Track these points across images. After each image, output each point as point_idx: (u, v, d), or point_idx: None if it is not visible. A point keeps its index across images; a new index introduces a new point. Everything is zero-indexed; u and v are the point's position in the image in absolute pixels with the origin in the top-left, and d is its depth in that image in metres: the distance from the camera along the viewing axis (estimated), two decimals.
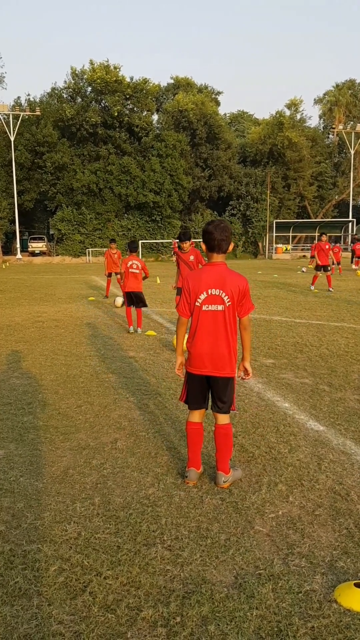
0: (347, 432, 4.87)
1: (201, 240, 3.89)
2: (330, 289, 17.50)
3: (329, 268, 17.57)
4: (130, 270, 10.26)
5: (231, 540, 3.16)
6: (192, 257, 9.61)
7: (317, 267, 17.70)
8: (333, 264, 17.38)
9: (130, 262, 10.29)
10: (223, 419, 3.89)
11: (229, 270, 3.79)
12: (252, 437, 4.78)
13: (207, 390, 3.91)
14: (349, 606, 2.58)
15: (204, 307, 3.75)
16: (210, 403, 3.97)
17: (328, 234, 57.38)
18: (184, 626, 2.47)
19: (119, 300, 14.25)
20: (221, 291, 3.72)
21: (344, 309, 13.30)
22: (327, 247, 17.52)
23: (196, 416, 3.96)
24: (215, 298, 3.73)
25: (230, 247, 3.82)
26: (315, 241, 39.95)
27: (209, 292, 3.73)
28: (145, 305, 10.46)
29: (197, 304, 3.76)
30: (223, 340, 3.76)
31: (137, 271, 10.31)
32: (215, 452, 3.94)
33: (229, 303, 3.72)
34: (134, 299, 10.34)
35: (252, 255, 60.62)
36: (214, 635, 2.41)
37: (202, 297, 3.73)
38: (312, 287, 18.11)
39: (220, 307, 3.73)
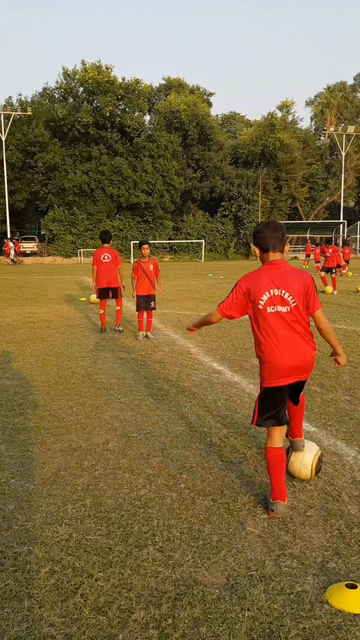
0: (338, 433, 4.89)
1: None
2: (334, 291, 17.74)
3: (333, 271, 18.03)
4: (103, 260, 10.11)
5: (223, 542, 3.16)
6: (151, 267, 9.69)
7: (325, 269, 18.19)
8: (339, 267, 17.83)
9: (102, 255, 10.14)
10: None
11: (291, 268, 3.51)
12: (244, 438, 4.78)
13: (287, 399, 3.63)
14: (340, 607, 2.58)
15: (269, 309, 3.42)
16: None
17: (319, 236, 57.76)
18: (175, 628, 2.47)
19: (94, 296, 14.36)
20: (284, 291, 3.41)
21: (335, 311, 13.35)
22: (330, 250, 17.90)
23: (277, 438, 3.54)
24: (278, 299, 3.41)
25: (286, 249, 3.58)
26: (308, 242, 40.14)
27: (271, 292, 3.42)
28: (119, 297, 10.35)
29: (259, 306, 3.43)
30: (301, 341, 3.46)
31: (108, 261, 10.14)
32: (290, 421, 3.86)
33: (295, 304, 3.41)
34: (108, 292, 10.23)
35: (244, 256, 60.69)
36: (206, 637, 2.41)
37: (264, 298, 3.41)
38: (334, 292, 17.82)
39: (285, 309, 3.41)
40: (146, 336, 9.75)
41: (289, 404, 3.75)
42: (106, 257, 10.16)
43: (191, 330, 4.08)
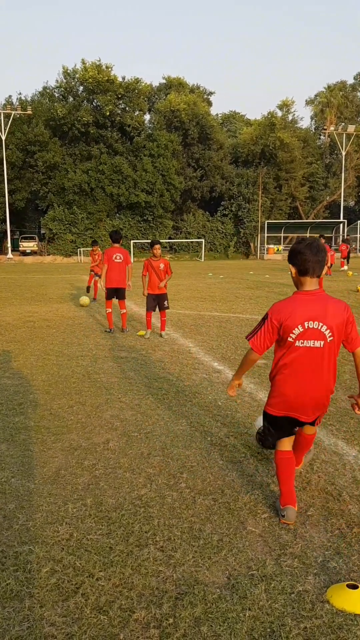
0: (339, 433, 4.89)
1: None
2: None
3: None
4: (114, 260, 10.12)
5: (224, 541, 3.15)
6: (162, 266, 9.72)
7: None
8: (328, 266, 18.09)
9: (114, 255, 10.16)
10: (311, 429, 3.60)
11: (328, 297, 3.23)
12: (244, 438, 4.78)
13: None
14: (341, 607, 2.58)
15: (298, 343, 3.18)
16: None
17: (317, 235, 57.68)
18: (176, 627, 2.47)
19: (85, 299, 14.48)
20: (321, 324, 3.15)
21: None
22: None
23: (286, 442, 3.48)
24: (314, 332, 3.16)
25: (324, 273, 3.37)
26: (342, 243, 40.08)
27: (306, 325, 3.16)
28: (123, 299, 10.37)
29: (289, 339, 3.19)
30: (324, 382, 3.24)
31: (120, 261, 10.16)
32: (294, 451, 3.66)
33: (331, 338, 3.17)
34: (116, 293, 10.25)
35: (243, 255, 60.72)
36: (207, 637, 2.41)
37: (297, 331, 3.16)
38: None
39: (319, 343, 3.17)
40: (160, 335, 9.79)
41: (299, 439, 3.64)
42: (118, 257, 10.19)
43: (234, 387, 3.61)
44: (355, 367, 3.33)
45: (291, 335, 3.17)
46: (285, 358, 3.25)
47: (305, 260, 3.18)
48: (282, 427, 3.44)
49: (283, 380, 3.28)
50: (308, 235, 53.62)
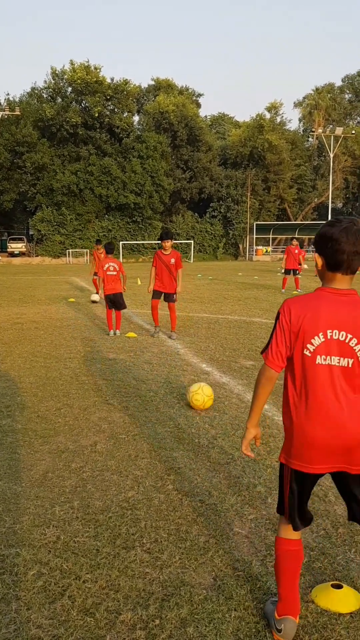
0: None
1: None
2: (299, 290, 18.36)
3: (297, 272, 18.75)
4: (107, 272, 10.25)
5: (210, 543, 3.18)
6: (173, 260, 9.65)
7: (286, 271, 18.81)
8: (300, 265, 18.71)
9: (107, 265, 10.28)
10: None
11: None
12: (232, 439, 4.81)
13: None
14: (326, 606, 2.61)
15: (319, 360, 2.27)
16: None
17: (307, 237, 57.99)
18: (162, 629, 2.48)
19: (95, 296, 15.43)
20: (350, 335, 2.26)
21: None
22: (296, 251, 18.69)
23: (294, 531, 2.49)
24: (340, 345, 2.26)
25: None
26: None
27: (330, 334, 2.26)
28: (124, 307, 10.47)
29: (306, 352, 2.27)
30: (353, 414, 2.27)
31: (115, 273, 10.31)
32: None
33: None
34: (114, 302, 10.33)
35: (232, 257, 60.82)
36: (193, 637, 2.43)
37: (317, 341, 2.26)
38: (283, 290, 18.90)
39: (345, 362, 2.26)
40: (170, 337, 9.78)
41: None
42: (111, 269, 10.30)
43: (249, 443, 2.48)
44: None
45: (309, 346, 2.27)
46: (301, 384, 2.32)
47: (339, 251, 2.26)
48: (308, 491, 2.45)
49: (305, 415, 2.30)
50: (296, 236, 53.89)
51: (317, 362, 2.27)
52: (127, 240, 55.02)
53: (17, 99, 56.78)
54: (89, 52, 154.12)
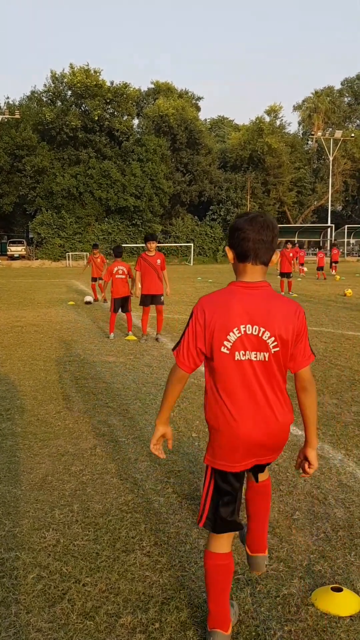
0: (325, 437, 4.93)
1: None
2: (290, 292, 18.71)
3: (290, 275, 19.03)
4: (116, 276, 10.25)
5: None
6: (158, 261, 9.64)
7: (281, 274, 19.03)
8: (301, 265, 18.95)
9: (115, 268, 10.28)
10: (263, 475, 2.62)
11: (274, 294, 2.31)
12: None
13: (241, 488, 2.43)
14: (325, 610, 2.61)
15: (238, 356, 2.23)
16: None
17: (307, 240, 58.05)
18: (162, 632, 2.48)
19: (89, 297, 16.35)
20: (263, 330, 2.22)
21: (323, 314, 13.44)
22: (290, 254, 18.90)
23: (225, 543, 2.39)
24: (255, 340, 2.22)
25: (275, 258, 2.36)
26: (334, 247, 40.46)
27: (243, 329, 2.22)
28: (129, 311, 10.47)
29: (223, 349, 2.23)
30: (277, 405, 2.30)
31: (123, 276, 10.32)
32: (249, 522, 2.74)
33: (276, 349, 2.24)
34: (123, 306, 10.34)
35: None
36: None
37: (233, 337, 2.21)
38: (282, 293, 18.78)
39: (264, 356, 2.24)
40: (156, 339, 9.77)
41: (250, 494, 2.68)
42: (120, 272, 10.28)
43: (160, 442, 2.49)
44: (298, 393, 2.42)
45: (225, 343, 2.22)
46: (221, 382, 2.26)
47: (244, 240, 2.26)
48: (233, 491, 2.37)
49: (227, 414, 2.25)
50: (296, 239, 53.95)
51: (236, 359, 2.23)
52: (126, 243, 55.05)
53: (16, 103, 56.96)
54: (89, 56, 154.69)
